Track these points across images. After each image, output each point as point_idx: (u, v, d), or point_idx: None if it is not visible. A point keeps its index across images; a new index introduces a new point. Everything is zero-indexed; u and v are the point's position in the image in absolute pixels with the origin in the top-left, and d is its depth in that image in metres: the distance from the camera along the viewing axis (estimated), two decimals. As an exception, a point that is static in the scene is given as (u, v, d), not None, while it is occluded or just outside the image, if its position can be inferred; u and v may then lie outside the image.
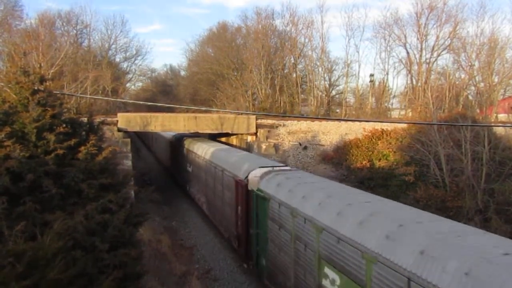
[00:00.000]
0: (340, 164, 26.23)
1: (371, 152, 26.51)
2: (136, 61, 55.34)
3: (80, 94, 30.87)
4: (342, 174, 25.37)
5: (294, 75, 46.25)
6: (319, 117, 37.01)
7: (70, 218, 7.02)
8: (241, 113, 29.16)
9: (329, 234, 8.37)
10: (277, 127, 27.70)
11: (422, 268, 5.71)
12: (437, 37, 40.12)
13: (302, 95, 46.55)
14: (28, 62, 26.95)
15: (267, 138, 26.54)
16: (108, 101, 37.84)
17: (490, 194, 20.42)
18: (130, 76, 56.11)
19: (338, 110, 46.94)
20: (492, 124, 26.54)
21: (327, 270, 8.44)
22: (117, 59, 53.31)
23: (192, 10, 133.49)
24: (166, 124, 25.13)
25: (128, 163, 22.44)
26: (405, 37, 41.90)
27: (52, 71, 29.15)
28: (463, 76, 38.76)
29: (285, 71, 47.14)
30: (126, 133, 24.73)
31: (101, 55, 48.53)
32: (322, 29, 45.25)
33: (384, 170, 25.00)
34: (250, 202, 13.42)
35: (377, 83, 45.79)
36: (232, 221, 15.41)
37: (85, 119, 9.51)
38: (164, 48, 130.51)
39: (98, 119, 10.47)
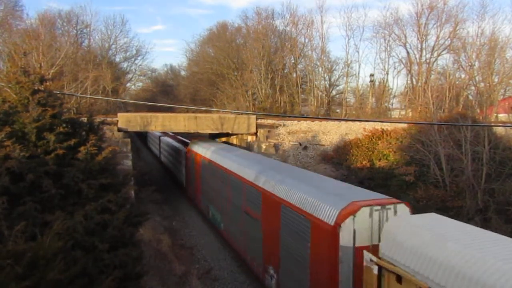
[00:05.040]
0: (340, 164, 26.22)
1: (371, 152, 26.50)
2: (136, 61, 55.25)
3: (80, 94, 30.88)
4: (342, 174, 25.36)
5: (294, 75, 46.25)
6: (319, 117, 37.00)
7: (70, 218, 7.02)
8: (241, 113, 29.17)
9: None
10: (277, 127, 27.70)
11: None
12: (437, 37, 40.11)
13: (302, 95, 46.52)
14: (28, 62, 26.95)
15: (267, 138, 26.54)
16: (108, 101, 37.84)
17: (491, 194, 20.41)
18: (130, 76, 56.02)
19: (338, 110, 46.92)
20: (492, 124, 26.53)
21: None
22: (117, 59, 53.26)
23: (195, 11, 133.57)
24: (166, 124, 25.13)
25: (128, 163, 22.45)
26: (405, 37, 41.93)
27: (52, 71, 29.14)
28: (463, 76, 38.78)
29: (285, 71, 47.12)
30: (126, 133, 24.73)
31: (101, 55, 48.47)
32: (322, 29, 45.26)
33: (384, 170, 24.99)
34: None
35: (377, 83, 45.83)
36: None
37: (85, 119, 9.52)
38: (166, 48, 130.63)
39: (98, 119, 10.45)
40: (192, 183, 23.35)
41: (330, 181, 12.26)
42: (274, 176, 12.63)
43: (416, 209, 10.34)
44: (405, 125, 27.37)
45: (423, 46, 40.83)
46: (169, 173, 33.02)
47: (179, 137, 35.76)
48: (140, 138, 57.91)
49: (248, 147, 25.94)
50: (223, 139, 28.98)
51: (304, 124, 28.56)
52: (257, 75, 44.60)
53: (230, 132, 25.99)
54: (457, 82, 37.29)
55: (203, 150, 21.08)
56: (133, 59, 54.48)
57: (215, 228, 18.61)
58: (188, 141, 27.81)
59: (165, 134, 40.35)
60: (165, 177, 33.82)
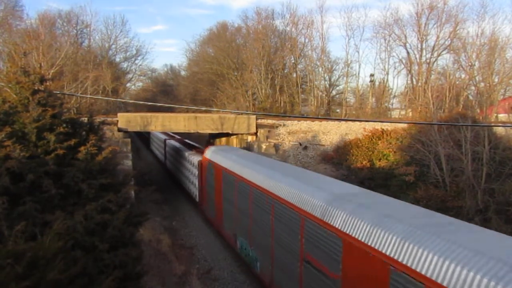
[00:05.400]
0: (340, 164, 26.24)
1: (371, 152, 26.52)
2: (136, 61, 55.28)
3: (80, 94, 30.89)
4: (343, 174, 25.38)
5: (294, 75, 46.26)
6: (319, 117, 37.00)
7: (70, 218, 7.02)
8: (241, 113, 29.18)
9: None
10: (277, 127, 27.70)
11: None
12: (437, 37, 40.12)
13: (302, 95, 46.54)
14: (28, 62, 26.96)
15: (267, 138, 26.55)
16: (108, 101, 37.87)
17: (490, 194, 20.42)
18: (130, 76, 56.04)
19: (338, 110, 46.94)
20: (492, 124, 26.53)
21: None
22: (117, 59, 53.30)
23: (196, 11, 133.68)
24: (166, 124, 25.17)
25: (128, 163, 22.48)
26: (405, 37, 41.93)
27: (52, 71, 29.15)
28: (463, 76, 38.80)
29: (285, 71, 47.14)
30: (127, 133, 24.75)
31: (101, 55, 48.50)
32: (322, 29, 45.23)
33: (384, 170, 25.00)
34: None
35: (377, 83, 45.84)
36: None
37: (85, 119, 9.52)
38: (166, 49, 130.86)
39: (98, 119, 10.46)
40: (210, 200, 18.79)
41: (483, 233, 7.01)
42: (364, 215, 8.00)
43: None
44: (405, 125, 27.38)
45: (423, 46, 40.89)
46: (177, 183, 28.87)
47: (188, 141, 33.56)
48: (142, 140, 56.75)
49: (248, 147, 25.95)
50: (223, 139, 28.97)
51: (304, 124, 28.57)
52: (257, 75, 44.62)
53: (230, 132, 26.01)
54: (457, 82, 37.30)
55: (227, 162, 16.44)
56: (133, 59, 54.56)
57: (247, 266, 14.33)
58: (202, 148, 24.24)
59: (171, 137, 38.13)
60: (165, 177, 33.72)
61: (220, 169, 16.88)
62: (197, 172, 21.59)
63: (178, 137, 37.15)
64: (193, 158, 22.83)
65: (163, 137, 38.90)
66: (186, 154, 25.22)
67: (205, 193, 19.92)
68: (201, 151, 23.37)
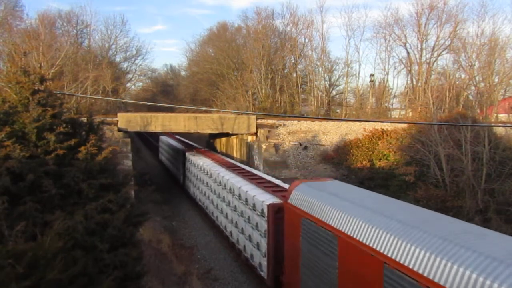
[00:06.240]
0: (340, 164, 26.24)
1: (371, 152, 26.52)
2: (136, 61, 55.25)
3: (80, 94, 30.89)
4: (342, 174, 25.39)
5: (294, 75, 46.26)
6: (319, 117, 37.01)
7: (70, 218, 7.02)
8: (241, 113, 29.18)
9: None
10: (277, 127, 27.71)
11: None
12: (438, 37, 40.14)
13: (302, 95, 46.53)
14: (28, 62, 26.96)
15: (267, 138, 26.55)
16: (108, 101, 37.85)
17: (491, 194, 20.41)
18: (130, 76, 56.01)
19: (338, 110, 46.92)
20: (492, 124, 26.54)
21: None
22: (117, 59, 53.27)
23: (196, 11, 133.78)
24: (166, 124, 25.17)
25: (128, 163, 22.47)
26: (405, 37, 41.93)
27: (52, 71, 29.16)
28: (463, 76, 38.79)
29: (285, 71, 47.13)
30: (127, 133, 24.76)
31: (101, 55, 48.49)
32: (322, 29, 45.24)
33: (384, 170, 25.00)
34: None
35: (377, 83, 45.83)
36: None
37: (85, 119, 9.53)
38: (166, 49, 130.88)
39: (98, 119, 10.47)
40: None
41: None
42: None
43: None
44: (405, 125, 27.37)
45: (423, 46, 40.90)
46: (210, 220, 19.67)
47: (229, 160, 21.98)
48: (148, 145, 52.47)
49: (248, 147, 25.96)
50: (223, 139, 28.95)
51: (304, 124, 28.58)
52: (257, 75, 44.62)
53: (230, 132, 26.03)
54: (457, 82, 37.28)
55: (399, 243, 6.62)
56: (133, 59, 54.54)
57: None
58: (281, 184, 14.55)
59: (192, 148, 27.98)
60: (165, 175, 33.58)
61: (378, 263, 7.01)
62: (265, 226, 12.34)
63: (204, 149, 28.01)
64: (256, 199, 13.20)
65: (179, 146, 29.39)
66: (238, 186, 15.21)
67: (296, 276, 10.02)
68: (274, 188, 13.94)
